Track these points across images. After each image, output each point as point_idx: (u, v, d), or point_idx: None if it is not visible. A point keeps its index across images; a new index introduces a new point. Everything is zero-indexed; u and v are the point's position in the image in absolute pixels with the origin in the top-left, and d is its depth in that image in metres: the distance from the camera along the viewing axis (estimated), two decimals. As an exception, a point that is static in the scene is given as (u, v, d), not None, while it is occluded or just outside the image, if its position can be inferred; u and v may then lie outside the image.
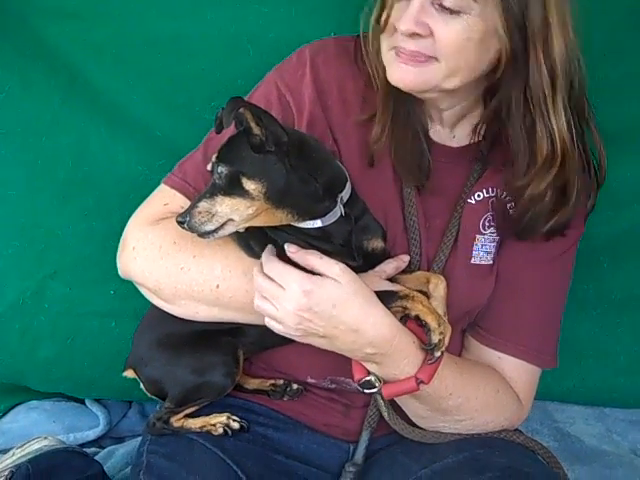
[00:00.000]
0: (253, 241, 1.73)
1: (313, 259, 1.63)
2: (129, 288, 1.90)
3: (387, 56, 1.70)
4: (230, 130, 1.62)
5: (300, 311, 1.59)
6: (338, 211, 1.65)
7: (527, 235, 1.82)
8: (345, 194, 1.67)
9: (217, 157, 1.59)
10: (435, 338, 1.65)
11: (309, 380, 1.94)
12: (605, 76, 2.08)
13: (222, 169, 1.58)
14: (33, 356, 2.32)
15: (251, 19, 2.12)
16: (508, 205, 1.84)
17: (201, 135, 1.91)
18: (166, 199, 1.85)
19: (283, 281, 1.61)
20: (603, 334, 2.45)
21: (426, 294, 1.73)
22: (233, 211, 1.57)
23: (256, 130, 1.56)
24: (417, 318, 1.66)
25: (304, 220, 1.63)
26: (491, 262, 1.86)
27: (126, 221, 1.89)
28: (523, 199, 1.74)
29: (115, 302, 2.29)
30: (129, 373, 1.92)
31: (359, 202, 1.72)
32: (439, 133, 1.85)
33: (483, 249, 1.86)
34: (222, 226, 1.59)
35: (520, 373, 1.91)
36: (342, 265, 1.62)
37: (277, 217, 1.62)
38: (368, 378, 1.71)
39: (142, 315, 1.93)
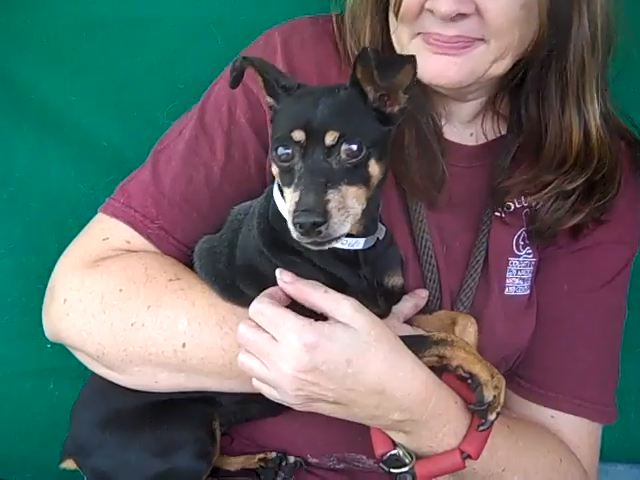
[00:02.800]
0: (244, 280, 1.47)
1: (315, 293, 1.37)
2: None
3: (410, 46, 1.51)
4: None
5: (301, 372, 1.33)
6: (377, 234, 1.44)
7: (547, 235, 1.65)
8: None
9: (340, 132, 1.30)
10: (489, 395, 1.41)
11: (309, 459, 1.70)
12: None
13: (353, 147, 1.30)
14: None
15: (218, 1, 1.95)
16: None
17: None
18: (106, 232, 1.61)
19: (276, 331, 1.35)
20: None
21: None
22: (359, 204, 1.32)
23: (399, 96, 1.35)
24: (459, 370, 1.43)
25: (355, 234, 1.40)
26: (528, 292, 1.69)
27: (62, 255, 1.72)
28: (543, 194, 1.60)
29: (53, 358, 2.02)
30: (68, 464, 1.65)
31: (387, 229, 1.52)
32: (454, 131, 1.67)
33: (518, 275, 1.68)
34: (351, 227, 1.33)
35: (581, 434, 1.71)
36: (355, 302, 1.37)
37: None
38: (395, 452, 1.46)
39: (88, 374, 1.68)
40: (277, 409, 1.47)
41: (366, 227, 1.40)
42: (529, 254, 1.68)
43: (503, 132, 1.68)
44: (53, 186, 1.98)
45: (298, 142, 1.31)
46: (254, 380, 1.40)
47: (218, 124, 1.61)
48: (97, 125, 1.97)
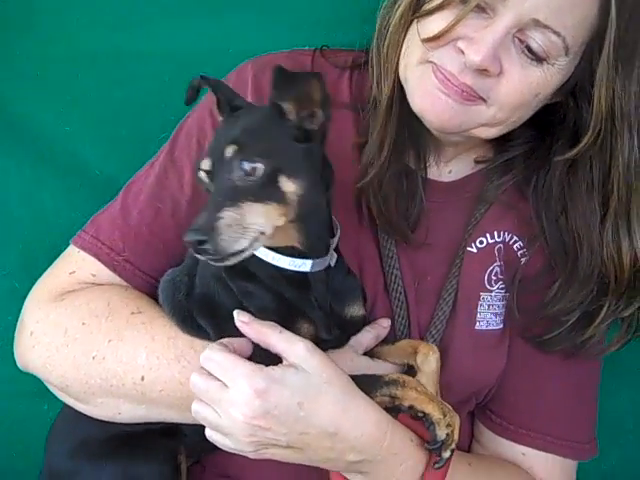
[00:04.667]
0: (200, 311, 1.46)
1: (271, 333, 1.35)
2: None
3: (416, 69, 1.45)
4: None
5: (253, 418, 1.30)
6: (328, 258, 1.40)
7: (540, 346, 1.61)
8: (335, 241, 1.44)
9: (239, 148, 1.29)
10: (441, 433, 1.37)
11: None
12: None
13: (254, 165, 1.27)
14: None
15: (209, 32, 1.90)
16: (519, 254, 1.61)
17: None
18: (72, 265, 1.60)
19: (227, 377, 1.32)
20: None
21: (413, 369, 1.50)
22: (266, 220, 1.28)
23: (311, 108, 1.31)
24: (412, 410, 1.39)
25: (303, 253, 1.37)
26: (501, 326, 1.61)
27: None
28: (544, 313, 1.56)
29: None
30: None
31: (341, 257, 1.48)
32: (433, 168, 1.63)
33: (490, 310, 1.61)
34: (253, 242, 1.27)
35: (553, 471, 1.65)
36: (308, 343, 1.35)
37: (288, 235, 1.35)
38: None
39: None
40: None
41: (309, 246, 1.36)
42: (502, 289, 1.62)
43: (481, 166, 1.64)
44: (47, 215, 1.96)
45: (207, 171, 1.31)
46: (207, 430, 1.37)
47: (187, 157, 1.60)
48: (91, 155, 1.96)
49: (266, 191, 1.28)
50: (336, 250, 1.46)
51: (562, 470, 1.65)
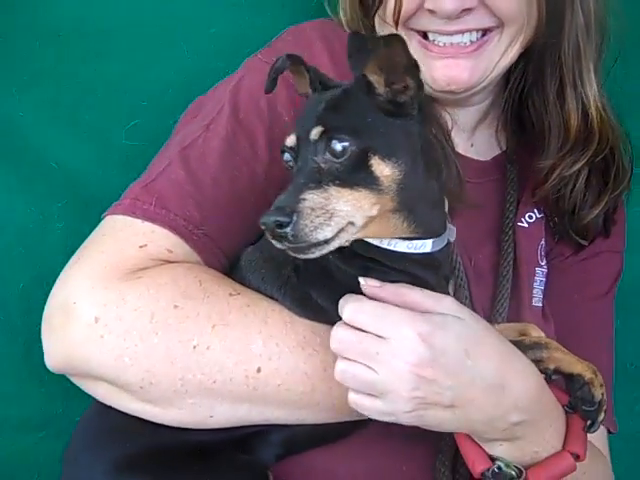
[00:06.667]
0: (316, 290, 1.33)
1: (410, 292, 1.26)
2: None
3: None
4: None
5: (419, 366, 1.22)
6: (447, 234, 1.34)
7: (573, 229, 1.67)
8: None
9: (325, 126, 1.20)
10: (598, 394, 1.36)
11: None
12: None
13: (342, 145, 1.18)
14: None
15: (187, 10, 1.81)
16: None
17: (118, 166, 1.67)
18: (141, 238, 1.39)
19: (383, 326, 1.23)
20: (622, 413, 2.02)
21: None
22: (356, 209, 1.18)
23: (407, 82, 1.21)
24: (557, 372, 1.38)
25: (413, 237, 1.28)
26: (541, 304, 1.66)
27: (15, 290, 1.65)
28: (552, 181, 1.61)
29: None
30: None
31: None
32: (456, 141, 1.62)
33: (540, 287, 1.66)
34: (339, 233, 1.18)
35: (596, 437, 1.62)
36: (454, 298, 1.31)
37: (390, 226, 1.25)
38: (496, 466, 1.35)
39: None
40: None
41: (423, 233, 1.28)
42: (546, 266, 1.68)
43: (503, 148, 1.69)
44: (-1, 211, 1.83)
45: (291, 147, 1.23)
46: (352, 396, 1.26)
47: (258, 120, 1.47)
48: (48, 144, 1.82)
49: (356, 175, 1.18)
50: None
51: (602, 433, 1.68)
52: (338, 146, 1.18)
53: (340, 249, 1.22)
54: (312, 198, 1.15)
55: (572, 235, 1.69)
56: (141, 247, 1.38)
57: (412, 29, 1.49)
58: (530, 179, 1.67)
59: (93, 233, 1.44)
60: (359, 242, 1.25)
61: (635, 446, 2.13)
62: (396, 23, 1.46)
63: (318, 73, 1.31)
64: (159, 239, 1.39)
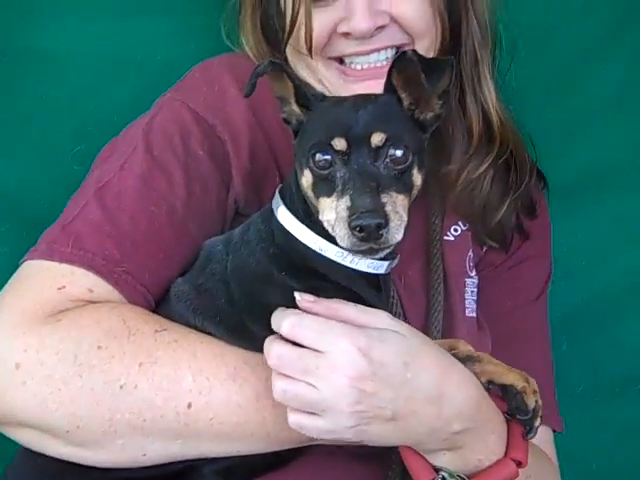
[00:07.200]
0: (251, 318, 1.33)
1: (345, 308, 1.28)
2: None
3: (331, 79, 1.57)
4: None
5: (359, 380, 1.21)
6: (397, 258, 1.39)
7: (487, 234, 1.69)
8: None
9: (387, 134, 1.24)
10: (531, 402, 1.36)
11: None
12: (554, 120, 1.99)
13: (402, 153, 1.25)
14: None
15: (133, 37, 1.83)
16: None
17: (59, 189, 1.58)
18: (59, 280, 1.37)
19: (322, 340, 1.23)
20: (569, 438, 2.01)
21: None
22: (406, 215, 1.26)
23: (432, 102, 1.30)
24: (490, 385, 1.39)
25: (391, 253, 1.35)
26: (475, 314, 1.68)
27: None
28: (460, 185, 1.62)
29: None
30: None
31: None
32: None
33: (472, 297, 1.67)
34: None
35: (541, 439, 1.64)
36: (388, 313, 1.31)
37: None
38: (440, 477, 1.36)
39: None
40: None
41: (398, 245, 1.31)
42: (476, 276, 1.69)
43: None
44: None
45: (339, 151, 1.25)
46: (292, 417, 1.25)
47: (173, 156, 1.47)
48: None
49: (404, 183, 1.25)
50: None
51: (547, 437, 1.69)
52: (399, 153, 1.24)
53: (292, 264, 1.29)
54: (390, 201, 1.21)
55: (487, 240, 1.71)
56: (60, 289, 1.36)
57: (329, 58, 1.52)
58: (442, 188, 1.69)
59: (10, 280, 1.41)
60: (316, 256, 1.30)
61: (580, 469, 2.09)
62: (310, 51, 1.49)
63: (301, 81, 1.36)
64: (78, 279, 1.37)
